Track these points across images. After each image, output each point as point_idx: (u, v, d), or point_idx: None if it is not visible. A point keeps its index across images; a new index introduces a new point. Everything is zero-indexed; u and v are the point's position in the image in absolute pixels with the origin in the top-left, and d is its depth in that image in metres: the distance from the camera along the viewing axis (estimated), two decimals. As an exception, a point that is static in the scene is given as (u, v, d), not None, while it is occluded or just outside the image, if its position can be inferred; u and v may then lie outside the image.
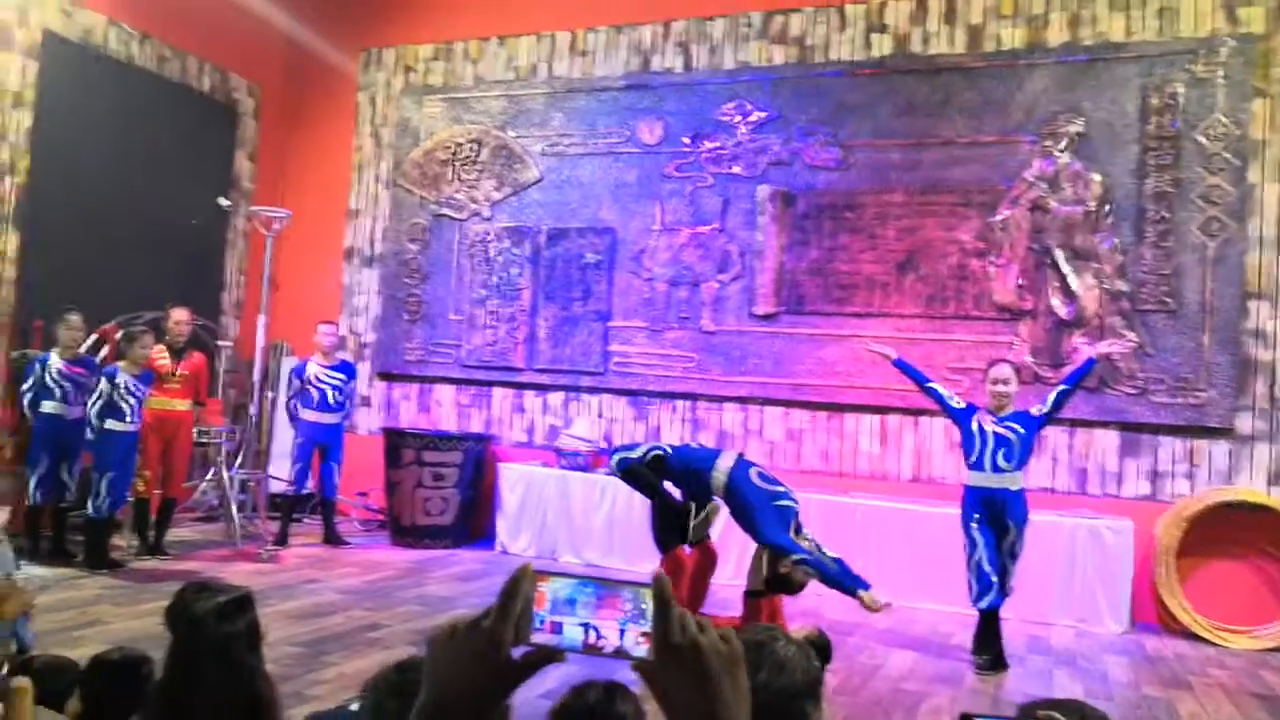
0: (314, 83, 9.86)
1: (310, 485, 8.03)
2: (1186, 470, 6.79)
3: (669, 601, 0.73)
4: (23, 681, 2.11)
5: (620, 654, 0.74)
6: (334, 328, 8.23)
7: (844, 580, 4.98)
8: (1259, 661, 5.90)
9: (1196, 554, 6.56)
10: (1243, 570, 6.54)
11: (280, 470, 8.49)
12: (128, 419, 6.54)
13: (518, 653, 0.77)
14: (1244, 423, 6.67)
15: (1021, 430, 5.27)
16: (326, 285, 9.56)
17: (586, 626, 0.75)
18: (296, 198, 9.55)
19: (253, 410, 8.39)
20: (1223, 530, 6.51)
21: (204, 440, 7.51)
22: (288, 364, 8.81)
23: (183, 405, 7.10)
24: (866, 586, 4.98)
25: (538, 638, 0.76)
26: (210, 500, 8.58)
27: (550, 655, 0.76)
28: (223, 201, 8.64)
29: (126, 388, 6.55)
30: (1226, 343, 6.69)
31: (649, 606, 0.74)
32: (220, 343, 8.73)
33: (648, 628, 0.74)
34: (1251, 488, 6.61)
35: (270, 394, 9.15)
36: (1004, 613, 5.37)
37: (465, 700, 0.77)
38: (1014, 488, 5.25)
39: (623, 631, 0.75)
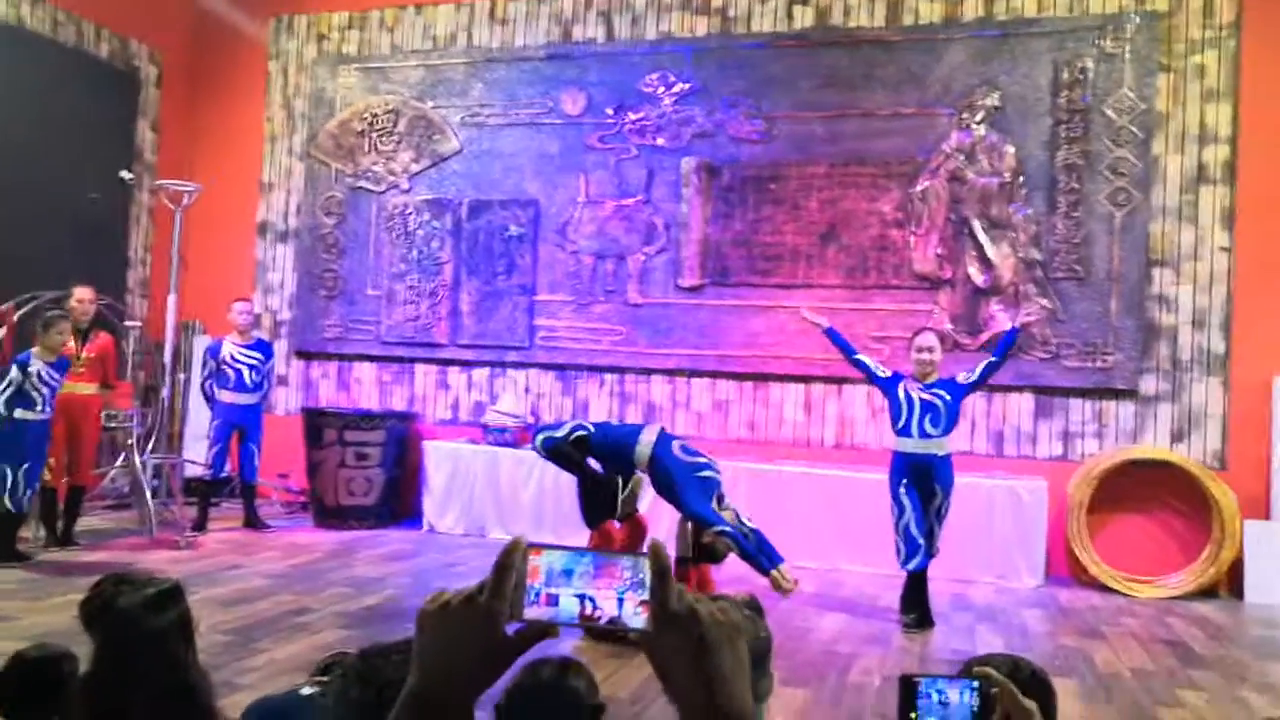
0: (222, 50, 9.46)
1: (229, 468, 7.79)
2: (1096, 430, 7.07)
3: (667, 570, 0.72)
4: None
5: (616, 624, 0.73)
6: (249, 305, 7.97)
7: (759, 557, 5.12)
8: (1165, 609, 6.21)
9: (1105, 510, 6.86)
10: (1148, 524, 6.86)
11: (196, 454, 8.20)
12: (39, 408, 6.22)
13: (510, 629, 0.74)
14: (1148, 384, 6.97)
15: (947, 397, 5.40)
16: (240, 261, 9.24)
17: (583, 597, 0.74)
18: (205, 170, 9.19)
19: (164, 392, 8.09)
20: (1129, 487, 6.82)
21: (112, 425, 7.20)
22: (200, 343, 8.51)
23: (89, 389, 6.79)
24: (781, 560, 5.16)
25: (532, 612, 0.74)
26: (121, 487, 8.25)
27: (544, 631, 0.75)
28: (125, 175, 8.26)
29: (40, 376, 6.21)
30: (1132, 308, 6.96)
31: (647, 576, 0.73)
32: (128, 323, 8.37)
33: (647, 596, 0.73)
34: (1155, 445, 6.92)
35: (183, 375, 8.83)
36: (929, 573, 5.53)
37: (459, 681, 0.75)
38: (941, 453, 5.39)
39: (621, 600, 0.73)
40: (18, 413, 6.17)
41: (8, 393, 6.14)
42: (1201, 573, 6.58)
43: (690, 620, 0.71)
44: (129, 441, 7.35)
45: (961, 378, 5.46)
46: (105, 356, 6.94)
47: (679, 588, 0.72)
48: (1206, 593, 6.55)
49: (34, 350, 6.31)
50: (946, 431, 5.40)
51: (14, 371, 6.16)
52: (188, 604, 2.04)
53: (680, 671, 0.72)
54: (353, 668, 1.45)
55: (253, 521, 7.60)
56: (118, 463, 8.03)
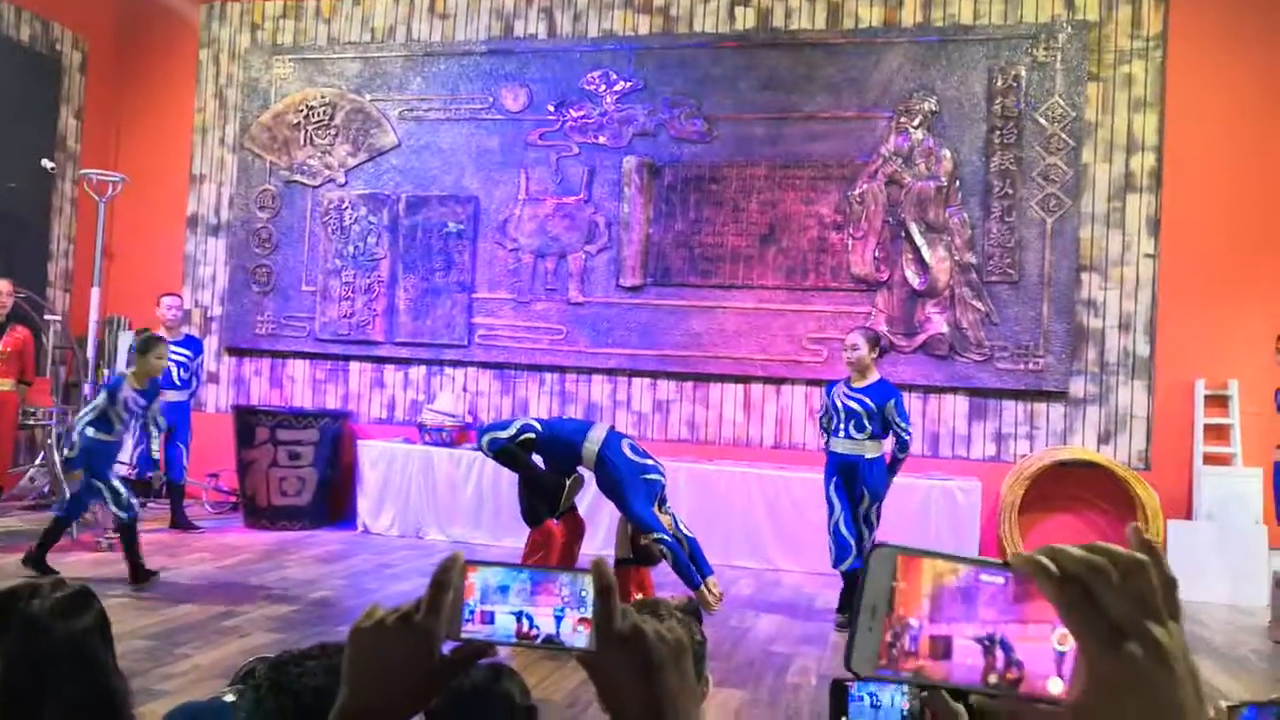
0: (150, 37, 9.17)
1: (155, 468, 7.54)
2: (1028, 431, 7.22)
3: (610, 588, 0.70)
4: None
5: (552, 643, 0.71)
6: (178, 300, 7.75)
7: (690, 570, 5.18)
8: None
9: (1036, 509, 7.01)
10: (1076, 523, 7.03)
11: (121, 453, 7.94)
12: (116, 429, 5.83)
13: (447, 648, 0.72)
14: (1077, 386, 7.14)
15: (870, 403, 5.43)
16: (168, 255, 8.97)
17: (519, 615, 0.71)
18: (131, 161, 8.90)
19: (86, 389, 7.82)
20: (1059, 487, 6.98)
21: (31, 423, 6.94)
22: (125, 339, 8.24)
23: (5, 385, 6.55)
24: (710, 572, 5.27)
25: (467, 630, 0.71)
26: (41, 487, 7.96)
27: (479, 650, 0.72)
28: (46, 163, 7.96)
29: (127, 404, 5.77)
30: (1063, 312, 7.12)
31: (589, 594, 0.71)
32: (48, 317, 8.07)
33: (587, 613, 0.71)
34: (1084, 446, 7.10)
35: (106, 371, 8.54)
36: (865, 573, 5.58)
37: (392, 700, 0.72)
38: (868, 455, 5.44)
39: (559, 619, 0.71)
40: (96, 432, 5.73)
41: (90, 417, 5.75)
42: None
43: (635, 641, 0.69)
44: (48, 440, 7.09)
45: (889, 406, 5.41)
46: (23, 351, 6.70)
47: (623, 607, 0.70)
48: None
49: (126, 374, 5.81)
50: (874, 436, 5.44)
51: (102, 398, 5.77)
52: (102, 605, 1.96)
53: (625, 691, 0.70)
54: (266, 676, 1.39)
55: (180, 522, 7.39)
56: (36, 462, 7.75)
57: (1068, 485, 6.98)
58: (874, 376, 5.54)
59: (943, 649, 0.57)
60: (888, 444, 5.53)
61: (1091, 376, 7.14)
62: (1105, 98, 7.18)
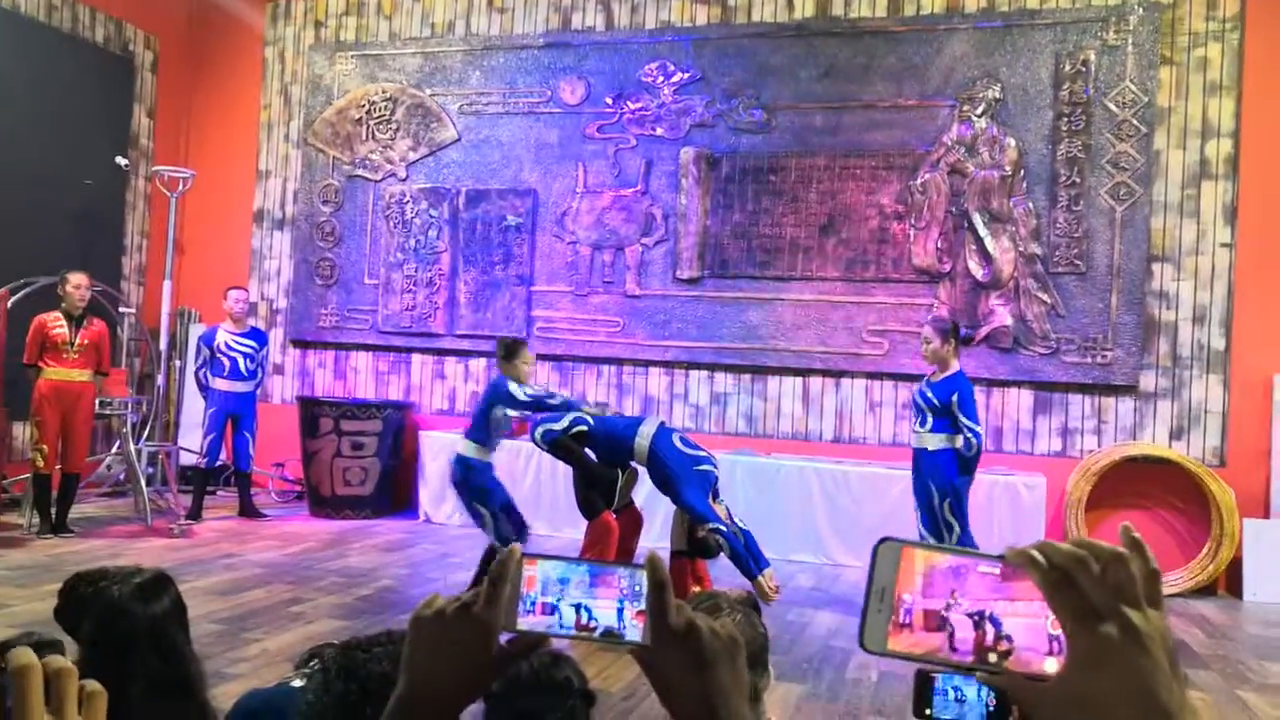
0: (218, 36, 9.39)
1: (224, 457, 7.75)
2: (1095, 426, 7.05)
3: (665, 584, 0.71)
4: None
5: (611, 635, 0.72)
6: (244, 293, 7.92)
7: (747, 560, 5.13)
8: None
9: (1104, 506, 6.84)
10: (1146, 521, 6.83)
11: (191, 442, 8.17)
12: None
13: (503, 639, 0.73)
14: (1148, 380, 6.95)
15: (931, 397, 5.35)
16: (235, 249, 9.18)
17: (579, 607, 0.72)
18: (200, 157, 9.14)
19: (160, 380, 8.06)
20: (1128, 483, 6.80)
21: (107, 412, 7.16)
22: (195, 331, 8.46)
23: (82, 376, 6.75)
24: (766, 565, 5.20)
25: (527, 621, 0.72)
26: (116, 475, 8.23)
27: (534, 642, 0.74)
28: (121, 161, 8.21)
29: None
30: (1132, 304, 6.93)
31: (644, 587, 0.71)
32: (122, 309, 8.32)
33: (644, 608, 0.71)
34: (1154, 442, 6.90)
35: (178, 363, 8.79)
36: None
37: (448, 689, 0.73)
38: (930, 448, 5.36)
39: (620, 610, 0.72)
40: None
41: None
42: (1200, 571, 6.56)
43: (689, 636, 0.70)
44: (124, 429, 7.32)
45: (953, 401, 5.25)
46: (100, 343, 6.90)
47: (677, 603, 0.71)
48: (1205, 591, 6.53)
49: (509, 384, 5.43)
50: (935, 430, 5.34)
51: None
52: (178, 590, 2.02)
53: (679, 686, 0.71)
54: (333, 661, 1.42)
55: (248, 510, 7.57)
56: (113, 450, 8.01)
57: (1137, 482, 6.80)
58: (953, 368, 5.38)
59: (937, 622, 0.62)
60: (961, 438, 5.32)
61: (1163, 370, 6.94)
62: (1179, 82, 6.96)
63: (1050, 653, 0.61)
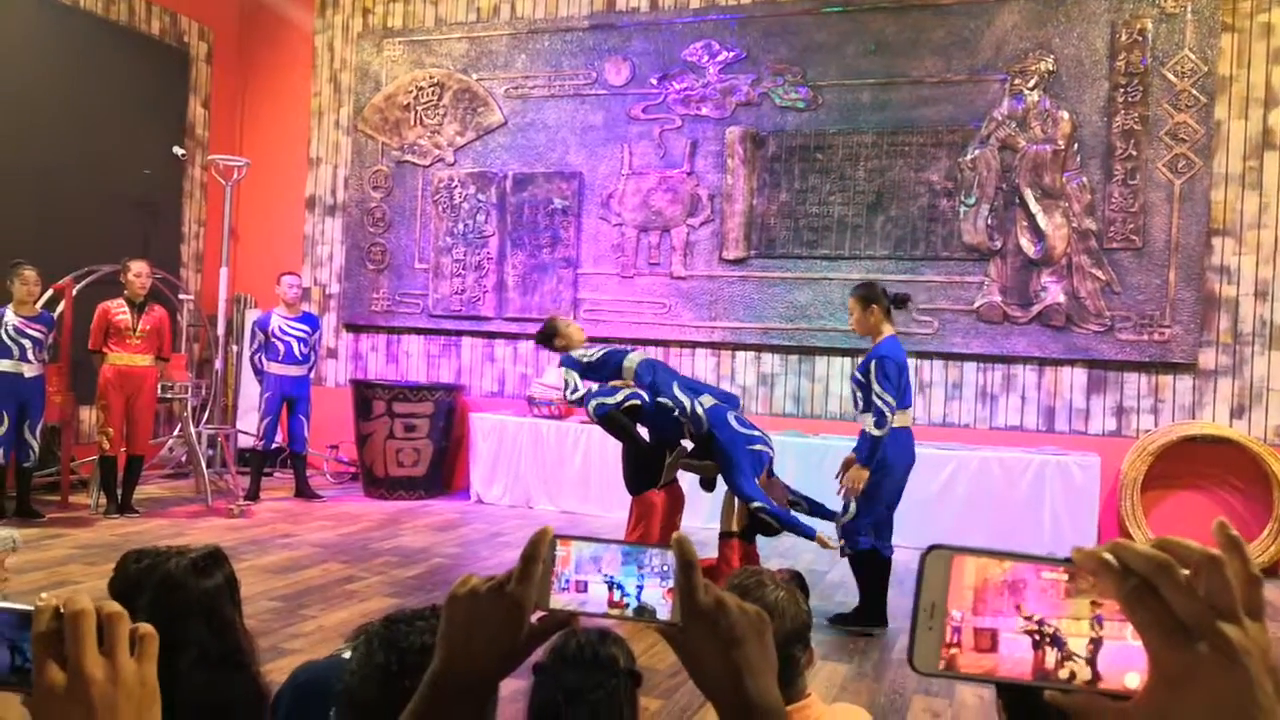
0: (268, 26, 9.55)
1: (280, 439, 7.94)
2: (1151, 405, 6.90)
3: (692, 564, 0.72)
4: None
5: (642, 613, 0.73)
6: (297, 279, 8.09)
7: (801, 525, 5.04)
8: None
9: (1160, 486, 6.71)
10: (1205, 501, 6.69)
11: (249, 424, 8.39)
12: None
13: (534, 617, 0.75)
14: (1207, 358, 6.78)
15: (856, 373, 4.94)
16: (288, 235, 9.36)
17: (611, 583, 0.74)
18: (254, 145, 9.31)
19: (218, 364, 8.27)
20: (1186, 463, 6.65)
21: (168, 396, 7.38)
22: (251, 316, 8.66)
23: (145, 361, 6.96)
24: (814, 533, 5.05)
25: (562, 598, 0.74)
26: (178, 456, 8.48)
27: (563, 620, 0.75)
28: (178, 150, 8.40)
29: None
30: (1191, 279, 6.76)
31: (674, 567, 0.73)
32: (182, 296, 8.55)
33: (674, 585, 0.73)
34: (1214, 421, 6.74)
35: (235, 348, 9.01)
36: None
37: (482, 665, 0.75)
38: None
39: (648, 589, 0.73)
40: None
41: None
42: (1261, 552, 6.40)
43: (717, 614, 0.71)
44: (185, 412, 7.54)
45: (872, 368, 4.72)
46: (161, 329, 7.10)
47: (705, 582, 0.72)
48: (1266, 573, 6.37)
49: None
50: (866, 409, 4.81)
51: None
52: (232, 567, 2.09)
53: (708, 663, 0.72)
54: (377, 633, 1.47)
55: (304, 491, 7.75)
56: (174, 433, 8.25)
57: (1195, 462, 6.65)
58: (884, 334, 4.79)
59: (990, 642, 0.56)
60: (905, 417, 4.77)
61: (1223, 347, 6.76)
62: (1241, 50, 6.74)
63: (1132, 667, 0.54)
